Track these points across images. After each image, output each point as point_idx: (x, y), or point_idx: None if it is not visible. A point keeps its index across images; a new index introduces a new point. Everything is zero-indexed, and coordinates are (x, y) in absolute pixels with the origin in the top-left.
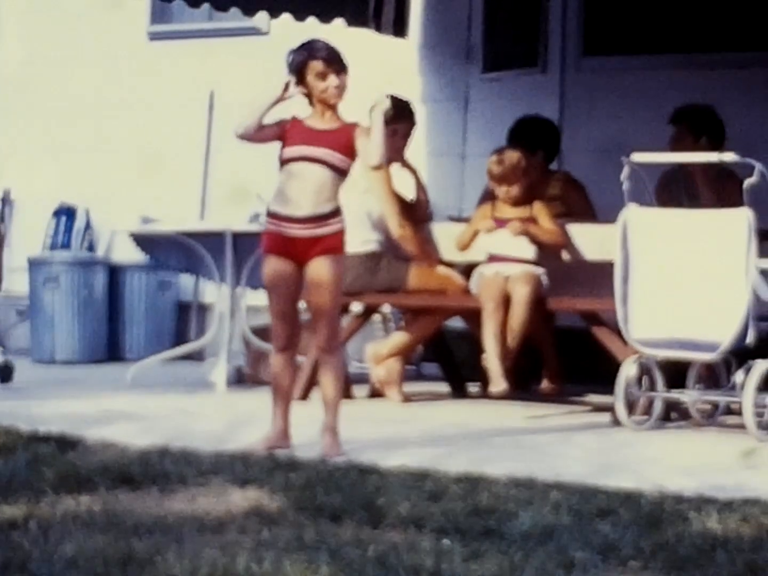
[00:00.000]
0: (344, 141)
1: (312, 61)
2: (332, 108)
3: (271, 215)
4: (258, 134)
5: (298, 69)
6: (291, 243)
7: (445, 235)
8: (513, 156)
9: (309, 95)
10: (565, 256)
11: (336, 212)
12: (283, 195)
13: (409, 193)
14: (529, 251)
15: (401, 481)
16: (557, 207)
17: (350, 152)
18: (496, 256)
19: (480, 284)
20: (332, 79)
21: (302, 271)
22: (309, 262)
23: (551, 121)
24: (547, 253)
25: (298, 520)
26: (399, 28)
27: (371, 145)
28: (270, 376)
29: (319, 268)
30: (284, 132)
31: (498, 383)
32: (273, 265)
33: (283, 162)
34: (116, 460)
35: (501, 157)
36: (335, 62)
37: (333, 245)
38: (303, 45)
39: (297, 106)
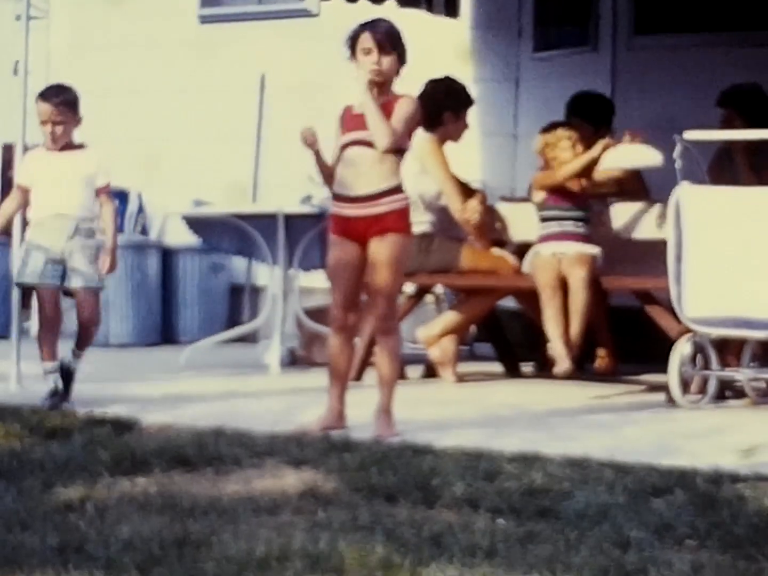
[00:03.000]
0: (388, 116)
1: (362, 35)
2: (380, 86)
3: (334, 197)
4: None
5: (351, 41)
6: (352, 223)
7: (497, 216)
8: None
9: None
10: (623, 234)
11: (394, 190)
12: (341, 179)
13: (464, 173)
14: None
15: (456, 461)
16: (611, 186)
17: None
18: (549, 235)
19: (535, 266)
20: (373, 56)
21: (366, 253)
22: (369, 241)
23: (609, 98)
24: (601, 232)
25: (353, 501)
26: (451, 9)
27: (371, 129)
28: (327, 357)
29: (378, 248)
30: (342, 127)
31: (562, 363)
32: (336, 247)
33: (341, 149)
34: (171, 442)
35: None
36: (383, 41)
37: (393, 224)
38: (365, 21)
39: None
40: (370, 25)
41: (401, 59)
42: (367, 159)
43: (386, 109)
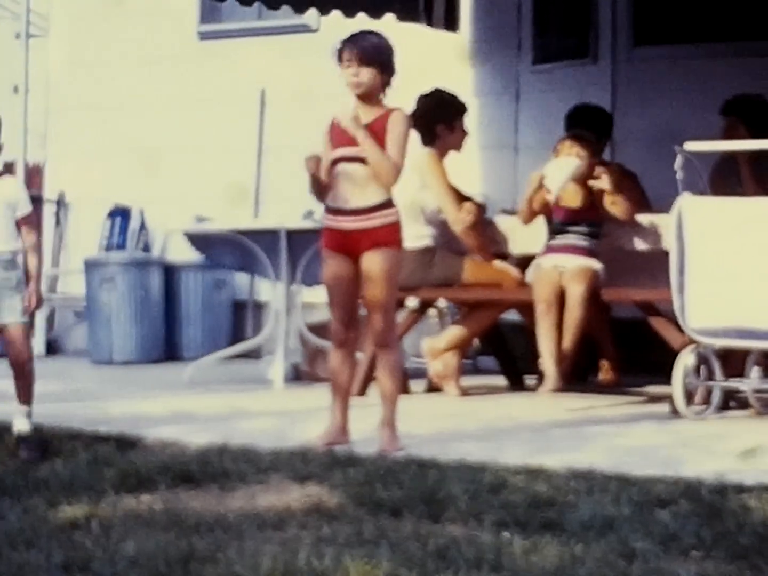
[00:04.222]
0: (380, 133)
1: (344, 49)
2: (367, 100)
3: (326, 210)
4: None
5: (338, 56)
6: (344, 237)
7: (497, 229)
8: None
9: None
10: (623, 246)
11: (385, 204)
12: (335, 192)
13: (465, 186)
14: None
15: (460, 475)
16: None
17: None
18: (552, 247)
19: (535, 278)
20: (352, 70)
21: (359, 266)
22: (363, 255)
23: (607, 111)
24: (604, 244)
25: (358, 516)
26: (450, 22)
27: (374, 168)
28: (328, 372)
29: (371, 262)
30: (329, 141)
31: (548, 382)
32: (330, 261)
33: (332, 164)
34: (176, 458)
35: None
36: (362, 53)
37: (385, 238)
38: (351, 34)
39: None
40: (352, 39)
41: (386, 72)
42: (360, 174)
43: (379, 125)
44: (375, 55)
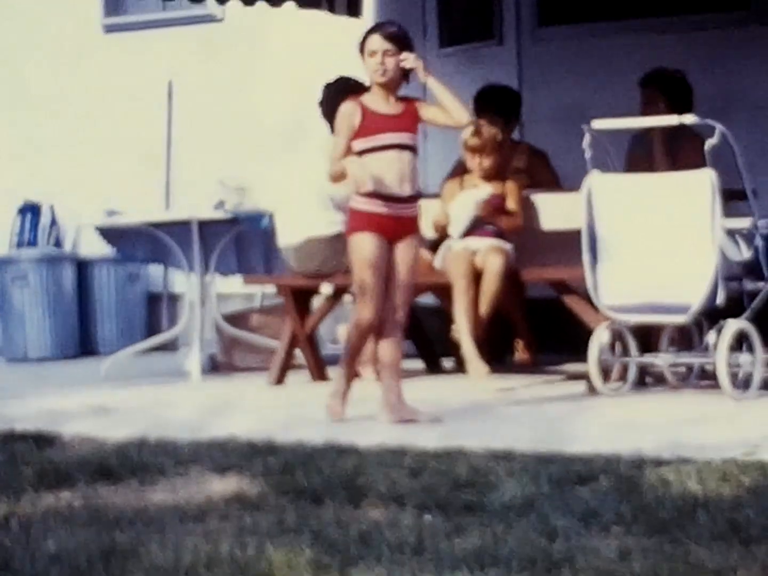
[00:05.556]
0: (413, 121)
1: (369, 37)
2: (389, 89)
3: (371, 195)
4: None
5: (360, 44)
6: (395, 222)
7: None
8: (491, 129)
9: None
10: (535, 226)
11: (419, 194)
12: (382, 178)
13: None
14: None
15: (380, 459)
16: (523, 179)
17: (417, 129)
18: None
19: (448, 259)
20: (377, 57)
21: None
22: (400, 241)
23: (516, 90)
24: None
25: (280, 504)
26: (353, 9)
27: (450, 106)
28: (371, 355)
29: (410, 248)
30: (356, 128)
31: (479, 371)
32: (374, 246)
33: (369, 150)
34: (94, 454)
35: (479, 128)
36: (390, 42)
37: (417, 226)
38: (376, 23)
39: None
40: (378, 28)
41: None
42: (407, 162)
43: (410, 114)
44: (402, 45)
